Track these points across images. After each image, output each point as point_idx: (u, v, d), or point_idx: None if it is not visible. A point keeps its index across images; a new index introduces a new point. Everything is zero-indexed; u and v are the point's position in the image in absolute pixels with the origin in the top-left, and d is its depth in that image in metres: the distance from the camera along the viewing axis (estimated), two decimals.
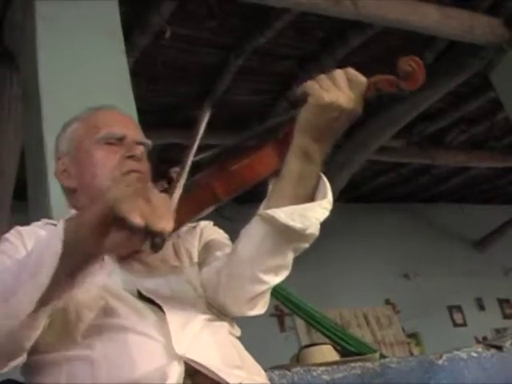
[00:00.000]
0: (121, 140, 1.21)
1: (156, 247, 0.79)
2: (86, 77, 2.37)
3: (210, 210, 1.05)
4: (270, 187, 1.05)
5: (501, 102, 4.15)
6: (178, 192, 0.95)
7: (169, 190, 0.98)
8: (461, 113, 5.44)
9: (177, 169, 1.02)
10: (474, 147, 6.15)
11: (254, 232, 1.04)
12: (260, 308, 1.11)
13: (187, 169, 0.98)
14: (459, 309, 7.02)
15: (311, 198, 1.03)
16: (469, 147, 6.13)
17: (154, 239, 0.78)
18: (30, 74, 2.54)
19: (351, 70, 1.02)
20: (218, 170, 1.04)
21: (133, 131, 1.25)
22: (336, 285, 6.19)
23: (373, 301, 6.51)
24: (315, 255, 5.96)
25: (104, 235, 0.81)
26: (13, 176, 3.75)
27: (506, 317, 7.27)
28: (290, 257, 1.05)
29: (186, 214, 1.02)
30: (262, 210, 1.03)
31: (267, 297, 1.11)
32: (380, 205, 7.23)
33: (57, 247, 0.82)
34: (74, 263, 0.84)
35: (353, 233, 6.59)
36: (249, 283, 1.06)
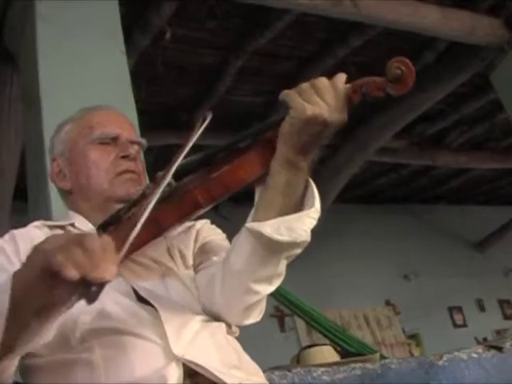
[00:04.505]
0: (114, 140, 1.21)
1: (91, 297, 0.72)
2: (86, 77, 2.37)
3: (193, 216, 1.03)
4: (257, 196, 1.02)
5: (501, 102, 4.15)
6: (155, 197, 0.92)
7: (147, 195, 0.97)
8: (461, 114, 5.44)
9: (161, 172, 1.00)
10: (475, 148, 6.16)
11: (243, 244, 1.01)
12: (255, 316, 1.09)
13: (170, 174, 0.97)
14: (459, 310, 7.02)
15: (300, 205, 0.99)
16: (469, 148, 6.14)
17: (91, 288, 0.71)
18: (30, 74, 2.54)
19: (336, 79, 0.95)
20: (200, 176, 1.01)
21: (127, 130, 1.24)
22: (336, 285, 6.19)
23: (373, 302, 6.51)
24: (315, 256, 5.96)
25: (52, 288, 0.75)
26: (13, 176, 3.75)
27: (506, 318, 7.27)
28: (282, 265, 1.03)
29: (169, 220, 1.00)
30: (250, 221, 1.00)
31: (262, 305, 1.09)
32: (380, 206, 7.23)
33: (4, 305, 0.79)
34: (29, 314, 0.81)
35: (353, 234, 6.59)
36: (242, 294, 1.04)
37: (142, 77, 3.75)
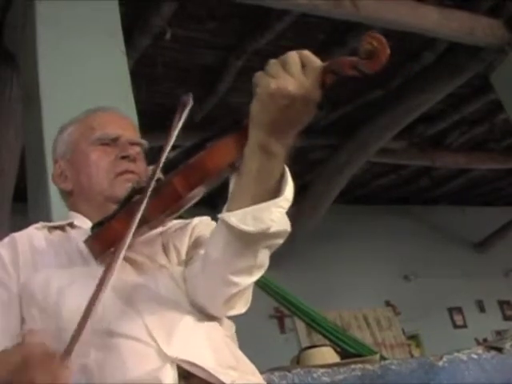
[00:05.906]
0: (115, 140, 1.21)
1: None
2: (86, 77, 2.38)
3: (177, 209, 1.01)
4: (231, 185, 0.99)
5: (501, 103, 4.16)
6: (147, 192, 0.92)
7: (138, 191, 0.97)
8: (461, 114, 5.44)
9: (152, 166, 1.00)
10: (475, 149, 6.15)
11: (217, 235, 1.00)
12: (240, 307, 1.07)
13: (158, 170, 0.97)
14: (459, 310, 7.02)
15: (275, 193, 0.95)
16: (469, 149, 6.13)
17: None
18: (30, 74, 2.54)
19: (306, 53, 0.91)
20: (180, 167, 0.99)
21: (128, 131, 1.25)
22: (336, 286, 6.18)
23: (373, 302, 6.51)
24: (315, 256, 5.97)
25: None
26: (13, 177, 3.75)
27: (506, 318, 7.27)
28: (261, 256, 0.99)
29: (152, 213, 0.99)
30: (224, 211, 0.97)
31: (246, 296, 1.07)
32: (380, 206, 7.22)
33: None
34: None
35: (353, 234, 6.58)
36: (221, 286, 1.02)
37: (142, 77, 3.74)
